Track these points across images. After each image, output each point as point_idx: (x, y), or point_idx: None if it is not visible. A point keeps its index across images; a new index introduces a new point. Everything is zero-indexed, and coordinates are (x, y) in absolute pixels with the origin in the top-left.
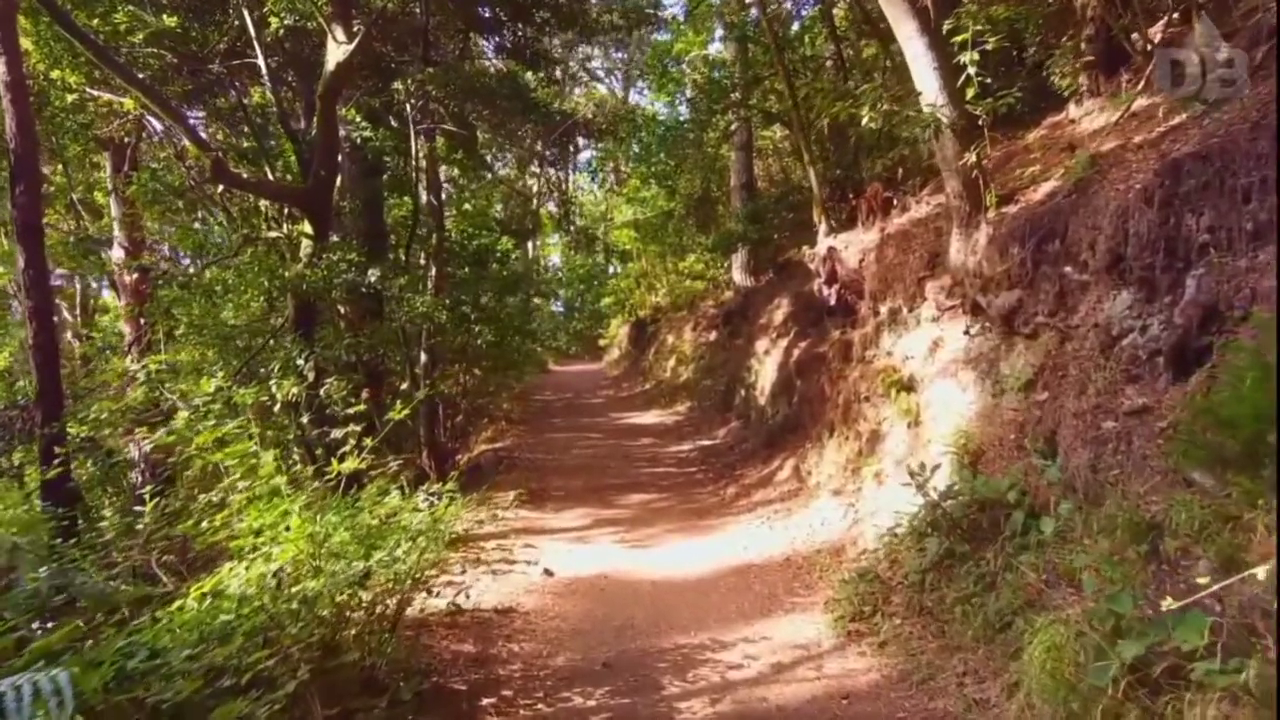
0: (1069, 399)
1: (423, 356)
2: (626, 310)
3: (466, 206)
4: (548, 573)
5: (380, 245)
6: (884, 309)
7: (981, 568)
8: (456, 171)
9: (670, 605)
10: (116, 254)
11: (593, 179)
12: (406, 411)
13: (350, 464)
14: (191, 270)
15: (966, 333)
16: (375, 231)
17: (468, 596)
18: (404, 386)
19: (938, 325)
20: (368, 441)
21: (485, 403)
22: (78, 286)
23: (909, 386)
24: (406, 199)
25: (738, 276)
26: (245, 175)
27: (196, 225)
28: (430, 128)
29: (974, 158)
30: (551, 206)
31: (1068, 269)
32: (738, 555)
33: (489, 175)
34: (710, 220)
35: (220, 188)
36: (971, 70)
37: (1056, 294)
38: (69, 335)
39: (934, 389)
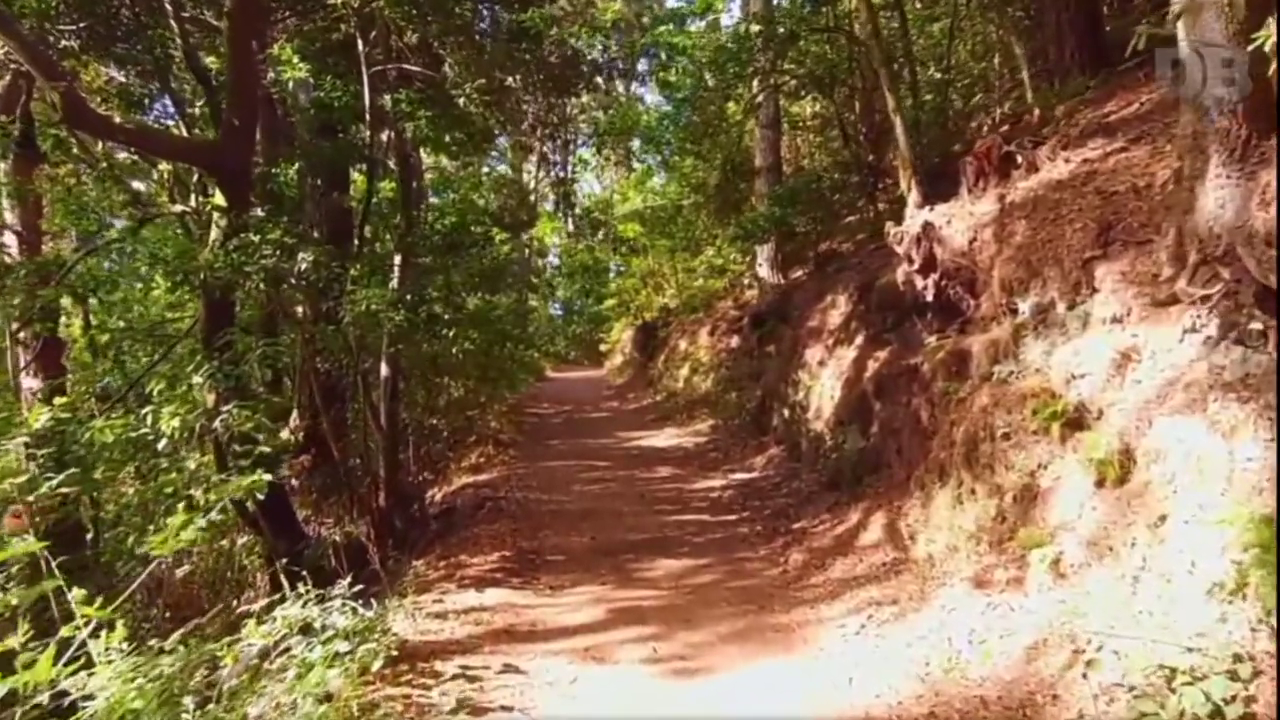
0: None
1: (384, 368)
2: (631, 313)
3: (452, 196)
4: None
5: (341, 227)
6: (1025, 305)
7: None
8: (445, 161)
9: None
10: (9, 240)
11: (598, 152)
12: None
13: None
14: (65, 257)
15: (1240, 341)
16: (333, 210)
17: None
18: (361, 408)
19: (1123, 327)
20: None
21: (474, 415)
22: None
23: (1078, 421)
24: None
25: (764, 271)
26: (119, 119)
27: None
28: (389, 68)
29: (1275, 38)
30: (549, 205)
31: None
32: (844, 700)
33: (470, 141)
34: (731, 208)
35: (122, 150)
36: None
37: None
38: None
39: (1153, 430)
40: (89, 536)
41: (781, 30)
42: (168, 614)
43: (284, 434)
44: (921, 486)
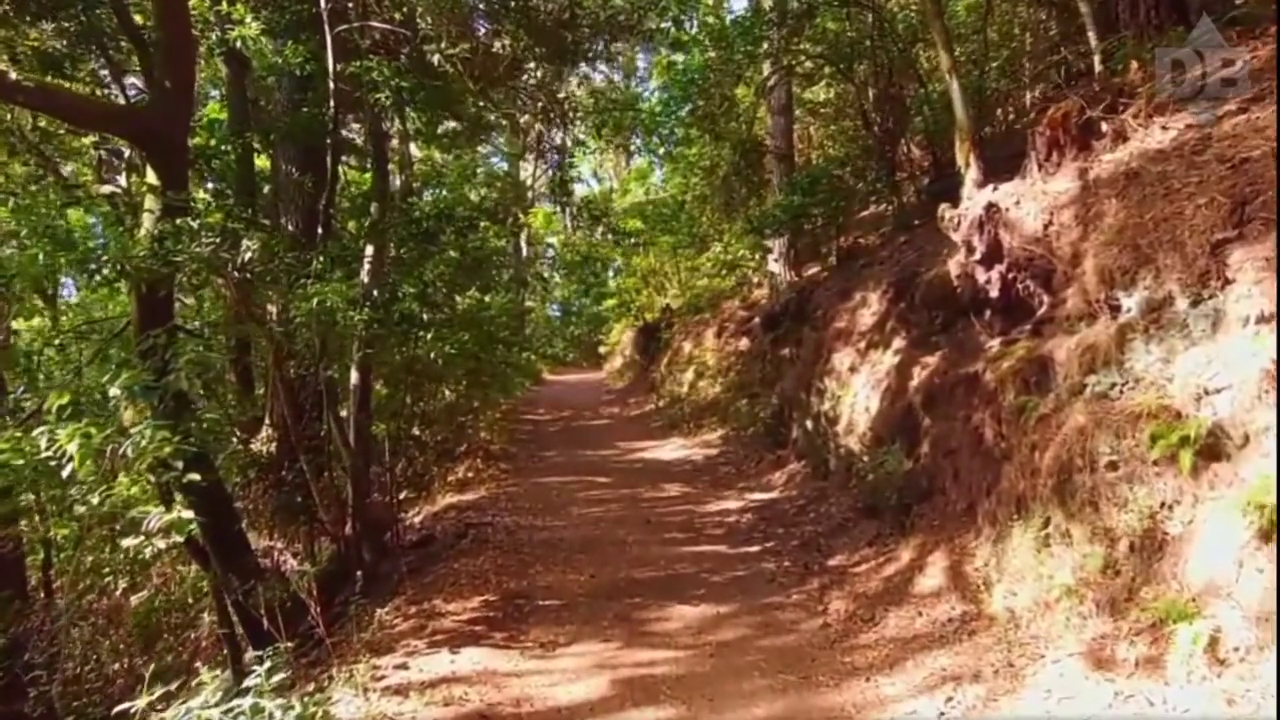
0: None
1: (353, 375)
2: (632, 313)
3: (444, 192)
4: None
5: (314, 215)
6: (1130, 300)
7: None
8: (437, 155)
9: None
10: None
11: (598, 134)
12: None
13: None
14: None
15: None
16: (307, 196)
17: None
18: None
19: (1272, 328)
20: None
21: (466, 421)
22: None
23: (1214, 449)
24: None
25: (776, 268)
26: (20, 79)
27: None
28: (357, 27)
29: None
30: (546, 205)
31: None
32: None
33: (463, 134)
34: (741, 201)
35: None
36: None
37: None
38: None
39: None
40: (45, 557)
41: (796, 4)
42: (122, 645)
43: (255, 445)
44: (992, 522)
